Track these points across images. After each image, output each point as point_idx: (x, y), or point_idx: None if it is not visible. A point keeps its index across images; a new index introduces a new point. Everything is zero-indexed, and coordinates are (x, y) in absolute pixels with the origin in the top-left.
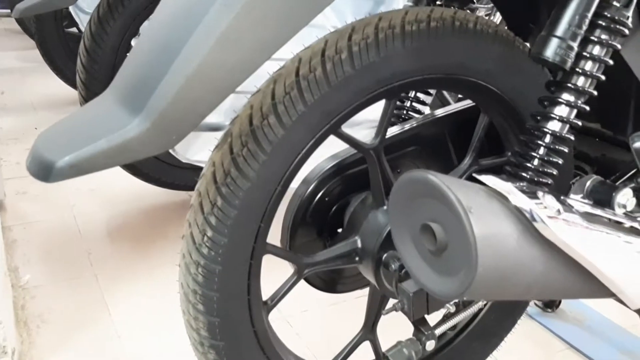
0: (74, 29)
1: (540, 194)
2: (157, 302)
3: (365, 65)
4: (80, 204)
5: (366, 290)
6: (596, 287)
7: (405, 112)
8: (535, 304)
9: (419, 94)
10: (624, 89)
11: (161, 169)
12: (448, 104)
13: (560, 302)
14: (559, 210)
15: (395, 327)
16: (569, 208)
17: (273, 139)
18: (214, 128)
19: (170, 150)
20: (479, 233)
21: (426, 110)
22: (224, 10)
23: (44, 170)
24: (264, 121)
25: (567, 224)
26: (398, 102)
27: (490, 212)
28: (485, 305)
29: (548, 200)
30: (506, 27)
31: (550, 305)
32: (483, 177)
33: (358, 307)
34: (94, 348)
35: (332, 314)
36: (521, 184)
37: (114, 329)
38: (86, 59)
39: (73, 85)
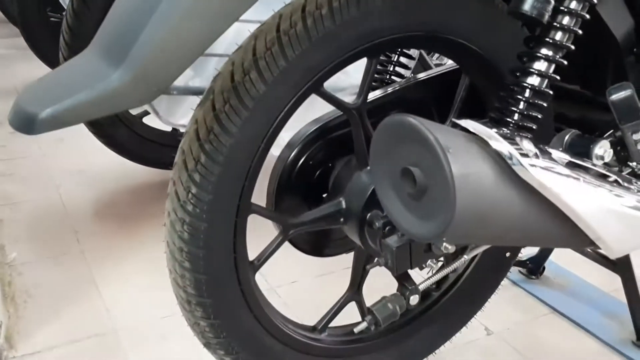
0: (58, 15)
1: (518, 139)
2: (146, 277)
3: (346, 21)
4: (67, 184)
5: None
6: (575, 235)
7: (388, 76)
8: (520, 271)
9: (401, 58)
10: (601, 48)
11: (145, 146)
12: (430, 68)
13: (544, 269)
14: (537, 154)
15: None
16: (547, 154)
17: (255, 94)
18: (199, 92)
19: (155, 115)
20: (457, 172)
21: (409, 74)
22: None
23: (27, 123)
24: (246, 77)
25: (545, 168)
26: (381, 67)
27: (469, 153)
28: (469, 264)
29: (526, 145)
30: None
31: (535, 272)
32: (463, 122)
33: (346, 277)
34: (82, 321)
35: (321, 284)
36: (500, 129)
37: (102, 303)
38: (69, 37)
39: None
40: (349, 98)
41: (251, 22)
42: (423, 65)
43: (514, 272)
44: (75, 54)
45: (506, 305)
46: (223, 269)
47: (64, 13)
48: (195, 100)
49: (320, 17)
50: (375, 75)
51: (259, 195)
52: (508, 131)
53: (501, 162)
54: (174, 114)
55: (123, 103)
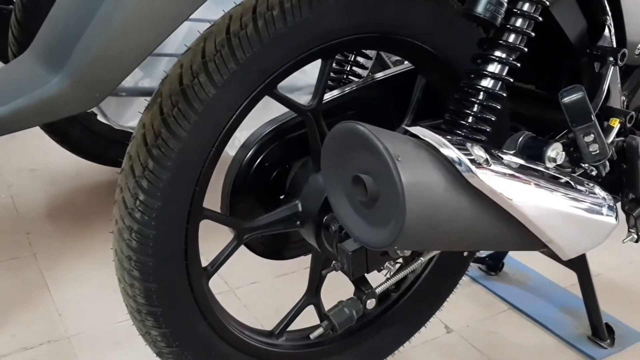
0: (8, 7)
1: (468, 144)
2: (100, 280)
3: (298, 23)
4: (19, 185)
5: None
6: (527, 238)
7: (345, 76)
8: (479, 268)
9: (358, 58)
10: (555, 49)
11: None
12: (388, 67)
13: (503, 265)
14: (487, 160)
15: (340, 293)
16: (498, 159)
17: (204, 97)
18: (150, 93)
19: (103, 118)
20: (406, 180)
21: (366, 74)
22: None
23: None
24: (195, 80)
25: (495, 173)
26: (338, 67)
27: (418, 161)
28: (427, 265)
29: (476, 151)
30: None
31: (494, 268)
32: (413, 129)
33: (307, 277)
34: (33, 328)
35: (281, 284)
36: (451, 136)
37: (55, 308)
38: (18, 31)
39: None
40: (306, 98)
41: (203, 21)
42: (381, 64)
43: (474, 268)
44: (24, 49)
45: (465, 302)
46: (174, 277)
47: (12, 6)
48: (144, 101)
49: (271, 18)
50: (333, 75)
51: (215, 199)
52: (460, 136)
53: (451, 169)
54: (123, 116)
55: (64, 110)
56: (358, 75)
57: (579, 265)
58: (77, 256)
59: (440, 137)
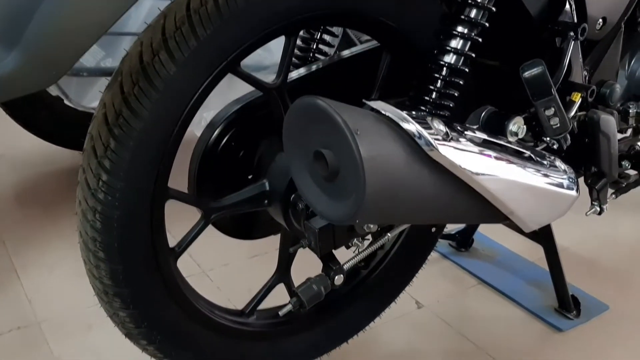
0: None
1: (429, 119)
2: (70, 265)
3: None
4: None
5: None
6: (489, 211)
7: (311, 54)
8: (449, 244)
9: (324, 36)
10: (517, 25)
11: (68, 128)
12: (354, 45)
13: (472, 241)
14: (447, 134)
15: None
16: (459, 133)
17: (165, 75)
18: (110, 73)
19: (65, 98)
20: (365, 154)
21: (332, 52)
22: None
23: None
24: (155, 57)
25: (455, 147)
26: (304, 44)
27: (378, 134)
28: (395, 242)
29: (436, 125)
30: None
31: (463, 244)
32: (373, 103)
33: None
34: (3, 312)
35: (254, 265)
36: (412, 111)
37: (24, 294)
38: None
39: None
40: (272, 77)
41: None
42: (347, 42)
43: (444, 245)
44: None
45: (436, 278)
46: (140, 258)
47: None
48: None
49: None
50: (299, 54)
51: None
52: (421, 111)
53: (412, 143)
54: (85, 97)
55: (18, 88)
56: (324, 53)
57: (545, 239)
58: (46, 241)
59: (400, 112)
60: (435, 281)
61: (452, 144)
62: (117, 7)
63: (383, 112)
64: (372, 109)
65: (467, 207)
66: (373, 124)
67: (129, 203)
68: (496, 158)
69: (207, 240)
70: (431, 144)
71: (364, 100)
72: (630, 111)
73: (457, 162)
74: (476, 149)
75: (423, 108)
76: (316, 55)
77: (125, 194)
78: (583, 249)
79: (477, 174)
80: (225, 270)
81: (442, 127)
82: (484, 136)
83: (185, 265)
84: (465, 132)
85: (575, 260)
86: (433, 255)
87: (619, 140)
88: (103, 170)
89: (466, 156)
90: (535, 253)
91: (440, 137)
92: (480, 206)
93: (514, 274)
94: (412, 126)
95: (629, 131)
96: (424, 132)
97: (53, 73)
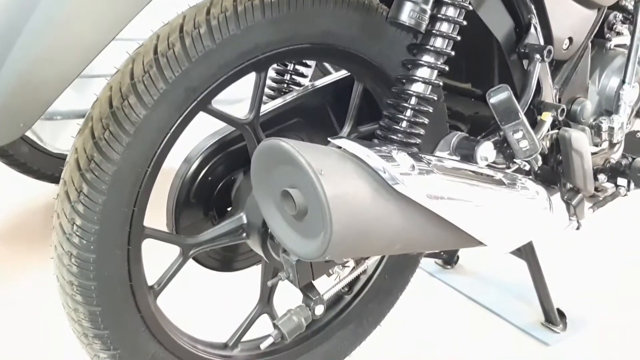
0: None
1: (394, 152)
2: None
3: (226, 38)
4: None
5: None
6: (462, 238)
7: (285, 85)
8: (436, 262)
9: (297, 67)
10: (486, 48)
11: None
12: (329, 74)
13: (458, 258)
14: (412, 166)
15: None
16: (426, 164)
17: (135, 119)
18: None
19: (39, 141)
20: (330, 193)
21: (306, 82)
22: None
23: None
24: (124, 102)
25: (422, 179)
26: (277, 76)
27: (342, 173)
28: (378, 265)
29: (401, 158)
30: None
31: (449, 262)
32: (337, 141)
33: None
34: None
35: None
36: (378, 145)
37: None
38: None
39: None
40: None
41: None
42: (322, 71)
43: (430, 263)
44: None
45: (423, 298)
46: (119, 299)
47: None
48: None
49: (198, 36)
50: (274, 85)
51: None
52: (391, 141)
53: (377, 178)
54: (59, 139)
55: None
56: (299, 84)
57: (527, 254)
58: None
59: (364, 148)
60: (423, 301)
61: (418, 176)
62: (83, 58)
63: (347, 149)
64: (337, 147)
65: (440, 236)
66: (337, 162)
67: (105, 245)
68: (466, 185)
69: (190, 269)
70: (396, 179)
71: (328, 139)
72: (603, 126)
73: (423, 195)
74: (444, 178)
75: (394, 137)
76: (290, 86)
77: (100, 237)
78: (568, 262)
79: (445, 205)
80: (209, 301)
81: (407, 160)
82: (454, 164)
83: (166, 298)
84: (433, 162)
85: (559, 274)
86: (420, 273)
87: (594, 153)
88: (77, 214)
89: (433, 187)
90: (520, 268)
91: (405, 171)
92: (452, 234)
93: (500, 290)
94: (376, 162)
95: (605, 144)
96: (389, 167)
97: (20, 126)
